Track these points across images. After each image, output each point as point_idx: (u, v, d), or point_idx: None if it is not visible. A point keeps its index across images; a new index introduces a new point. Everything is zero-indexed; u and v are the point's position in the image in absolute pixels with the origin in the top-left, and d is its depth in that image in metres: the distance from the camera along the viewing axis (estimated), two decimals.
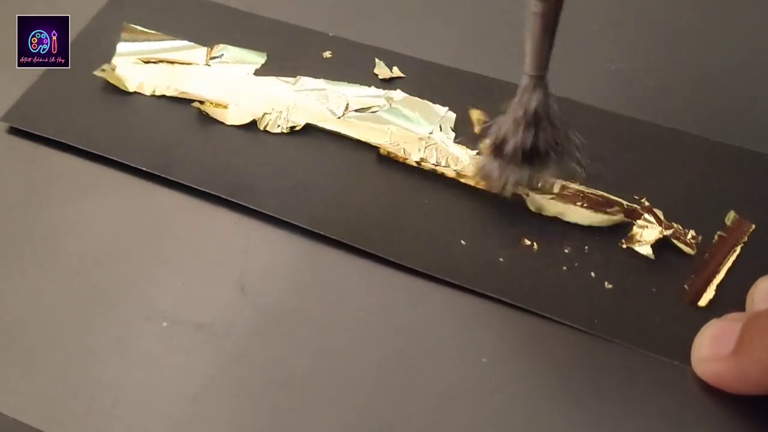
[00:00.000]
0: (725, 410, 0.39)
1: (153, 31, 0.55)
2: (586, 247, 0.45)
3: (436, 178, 0.47)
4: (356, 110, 0.50)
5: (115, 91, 0.52)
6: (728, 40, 0.55)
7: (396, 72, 0.52)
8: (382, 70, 0.52)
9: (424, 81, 0.52)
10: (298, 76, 0.52)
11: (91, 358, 0.41)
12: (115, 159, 0.48)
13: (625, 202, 0.45)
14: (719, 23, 0.56)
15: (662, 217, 0.45)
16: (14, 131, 0.50)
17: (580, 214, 0.45)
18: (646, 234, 0.44)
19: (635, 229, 0.45)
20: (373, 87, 0.51)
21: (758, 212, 0.46)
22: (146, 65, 0.53)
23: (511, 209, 0.46)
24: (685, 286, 0.43)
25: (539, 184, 0.46)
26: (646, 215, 0.45)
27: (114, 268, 0.45)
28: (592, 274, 0.44)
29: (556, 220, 0.46)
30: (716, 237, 0.45)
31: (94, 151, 0.49)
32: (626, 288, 0.43)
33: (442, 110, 0.50)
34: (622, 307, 0.43)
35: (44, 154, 0.49)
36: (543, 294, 0.43)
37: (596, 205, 0.45)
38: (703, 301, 0.43)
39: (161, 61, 0.53)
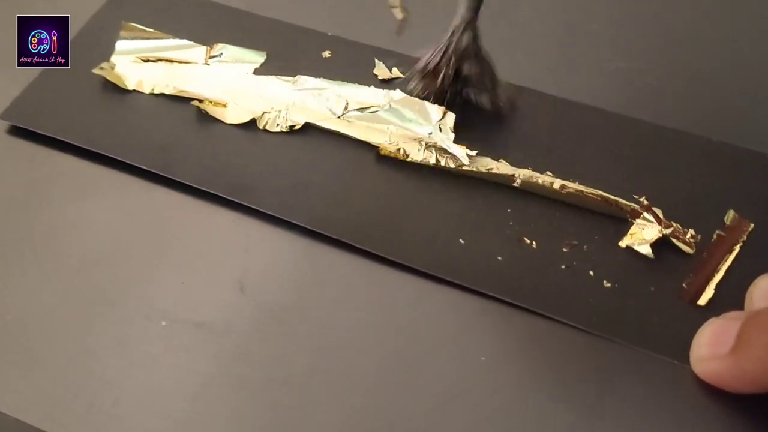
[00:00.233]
0: (724, 409, 0.39)
1: (152, 30, 0.55)
2: (585, 246, 0.45)
3: (435, 177, 0.47)
4: (355, 110, 0.50)
5: (114, 89, 0.52)
6: (727, 39, 0.55)
7: (395, 72, 0.52)
8: (381, 71, 0.52)
9: None
10: (297, 76, 0.52)
11: (91, 358, 0.41)
12: (114, 157, 0.48)
13: (624, 202, 0.45)
14: (718, 23, 0.56)
15: (661, 216, 0.45)
16: (14, 131, 0.50)
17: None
18: (646, 233, 0.44)
19: (634, 228, 0.45)
20: (372, 87, 0.51)
21: (757, 211, 0.46)
22: (145, 64, 0.53)
23: (510, 208, 0.46)
24: (684, 285, 0.43)
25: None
26: (646, 214, 0.45)
27: (114, 267, 0.45)
28: (591, 273, 0.44)
29: (554, 218, 0.46)
30: (715, 236, 0.45)
31: (93, 149, 0.49)
32: (625, 287, 0.43)
33: (441, 110, 0.50)
34: (622, 306, 0.43)
35: (44, 154, 0.49)
36: (542, 293, 0.43)
37: (595, 204, 0.45)
38: (702, 300, 0.43)
39: (160, 60, 0.53)
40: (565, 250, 0.45)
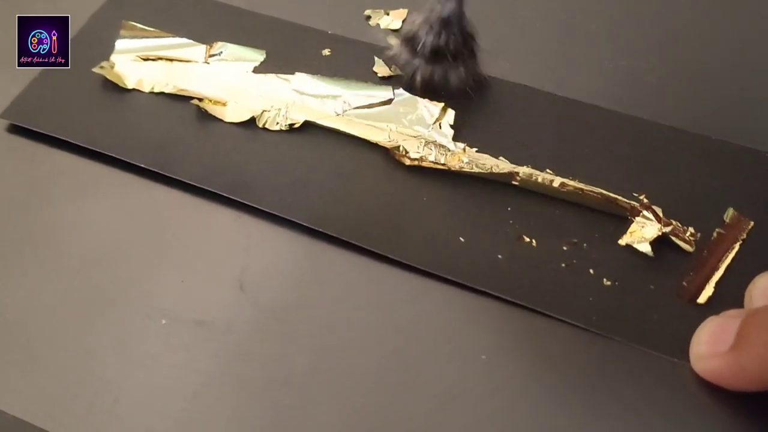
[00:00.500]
0: (723, 407, 0.39)
1: (152, 29, 0.55)
2: (585, 245, 0.45)
3: (435, 175, 0.47)
4: (355, 108, 0.50)
5: (113, 88, 0.52)
6: (726, 37, 0.55)
7: (395, 70, 0.52)
8: (381, 68, 0.52)
9: None
10: (297, 74, 0.52)
11: (91, 357, 0.41)
12: (114, 156, 0.48)
13: (624, 200, 0.45)
14: (718, 21, 0.56)
15: (661, 215, 0.45)
16: (14, 130, 0.50)
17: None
18: (645, 231, 0.44)
19: (634, 226, 0.45)
20: (372, 84, 0.51)
21: (757, 209, 0.46)
22: (145, 62, 0.53)
23: (510, 206, 0.46)
24: (684, 283, 0.43)
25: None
26: (645, 212, 0.45)
27: (114, 266, 0.45)
28: (591, 271, 0.44)
29: (554, 217, 0.46)
30: (715, 234, 0.45)
31: (93, 148, 0.49)
32: (625, 285, 0.43)
33: (440, 108, 0.50)
34: (621, 304, 0.43)
35: (44, 153, 0.49)
36: (542, 291, 0.43)
37: (595, 202, 0.45)
38: (701, 298, 0.43)
39: (160, 59, 0.53)
40: (564, 248, 0.45)
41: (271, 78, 0.52)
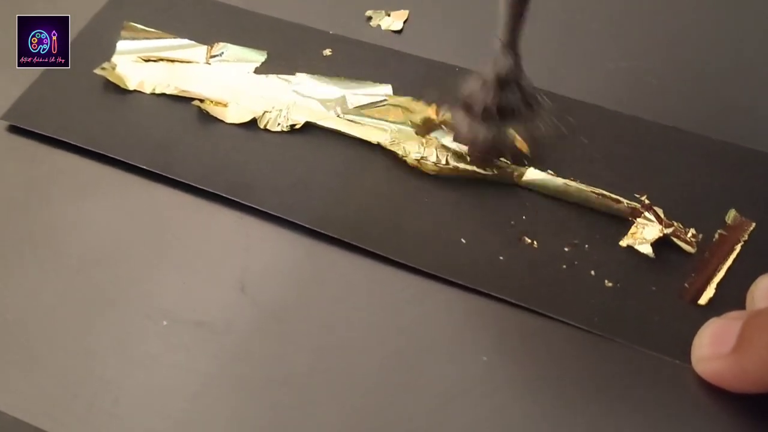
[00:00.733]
0: (725, 409, 0.39)
1: (153, 30, 0.55)
2: (586, 246, 0.45)
3: (436, 176, 0.47)
4: (356, 108, 0.50)
5: (115, 89, 0.52)
6: (729, 38, 0.55)
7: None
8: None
9: (426, 80, 0.52)
10: (298, 74, 0.52)
11: (91, 357, 0.41)
12: (116, 157, 0.48)
13: (625, 201, 0.45)
14: (720, 22, 0.56)
15: (662, 216, 0.45)
16: (14, 130, 0.50)
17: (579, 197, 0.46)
18: (647, 232, 0.44)
19: (635, 227, 0.45)
20: (373, 85, 0.51)
21: (759, 210, 0.45)
22: (146, 63, 0.53)
23: (511, 207, 0.46)
24: (686, 284, 0.43)
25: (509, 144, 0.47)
26: (647, 213, 0.45)
27: (114, 267, 0.45)
28: (592, 272, 0.44)
29: (555, 218, 0.46)
30: (717, 235, 0.45)
31: (94, 149, 0.49)
32: (626, 286, 0.43)
33: (441, 108, 0.50)
34: (622, 305, 0.43)
35: (44, 153, 0.49)
36: (543, 292, 0.43)
37: (596, 203, 0.45)
38: (703, 300, 0.43)
39: (161, 60, 0.53)
40: (566, 249, 0.45)
41: (272, 79, 0.52)
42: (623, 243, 0.44)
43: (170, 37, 0.54)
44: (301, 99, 0.51)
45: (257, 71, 0.53)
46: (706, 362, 0.40)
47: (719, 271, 0.43)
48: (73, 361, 0.41)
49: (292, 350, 0.42)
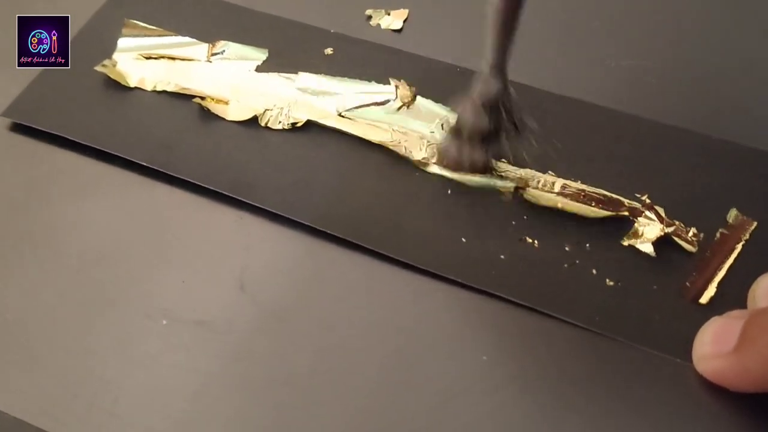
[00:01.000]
0: (727, 408, 0.39)
1: (154, 27, 0.55)
2: (588, 245, 0.45)
3: (437, 175, 0.47)
4: (358, 107, 0.50)
5: (116, 86, 0.52)
6: (730, 37, 0.55)
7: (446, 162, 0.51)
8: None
9: (426, 79, 0.52)
10: (299, 73, 0.52)
11: (91, 357, 0.41)
12: (116, 154, 0.48)
13: (626, 200, 0.45)
14: (721, 21, 0.56)
15: (663, 215, 0.45)
16: (14, 128, 0.50)
17: (579, 208, 0.45)
18: (648, 231, 0.44)
19: (636, 226, 0.45)
20: (374, 84, 0.51)
21: (760, 209, 0.45)
22: (147, 61, 0.53)
23: (512, 207, 0.46)
24: (687, 283, 0.43)
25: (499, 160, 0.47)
26: (648, 213, 0.45)
27: (114, 266, 0.45)
28: (594, 271, 0.44)
29: (556, 217, 0.45)
30: (718, 234, 0.45)
31: (95, 146, 0.49)
32: (627, 285, 0.43)
33: (444, 109, 0.49)
34: (624, 304, 0.43)
35: (45, 152, 0.49)
36: (544, 291, 0.43)
37: (597, 202, 0.45)
38: (704, 299, 0.43)
39: (162, 57, 0.53)
40: (567, 248, 0.44)
41: (273, 77, 0.52)
42: (624, 242, 0.44)
43: (171, 35, 0.54)
44: (302, 97, 0.51)
45: (258, 69, 0.52)
46: (707, 361, 0.40)
47: (720, 270, 0.43)
48: (73, 360, 0.41)
49: (292, 349, 0.42)
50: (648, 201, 0.45)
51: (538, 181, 0.46)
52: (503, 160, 0.47)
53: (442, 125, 0.48)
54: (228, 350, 0.41)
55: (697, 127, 0.49)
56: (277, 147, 0.49)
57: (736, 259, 0.44)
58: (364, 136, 0.49)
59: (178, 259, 0.45)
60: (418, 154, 0.48)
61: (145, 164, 0.48)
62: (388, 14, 0.56)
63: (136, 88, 0.52)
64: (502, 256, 0.44)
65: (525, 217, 0.46)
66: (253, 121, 0.50)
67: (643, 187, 0.46)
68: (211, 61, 0.53)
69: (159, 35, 0.54)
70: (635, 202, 0.45)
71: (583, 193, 0.46)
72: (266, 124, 0.50)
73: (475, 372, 0.41)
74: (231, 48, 0.54)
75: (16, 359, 0.41)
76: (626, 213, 0.45)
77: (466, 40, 0.53)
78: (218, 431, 0.39)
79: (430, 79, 0.51)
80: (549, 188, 0.46)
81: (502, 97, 0.44)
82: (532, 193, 0.46)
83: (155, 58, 0.53)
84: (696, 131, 0.49)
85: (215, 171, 0.48)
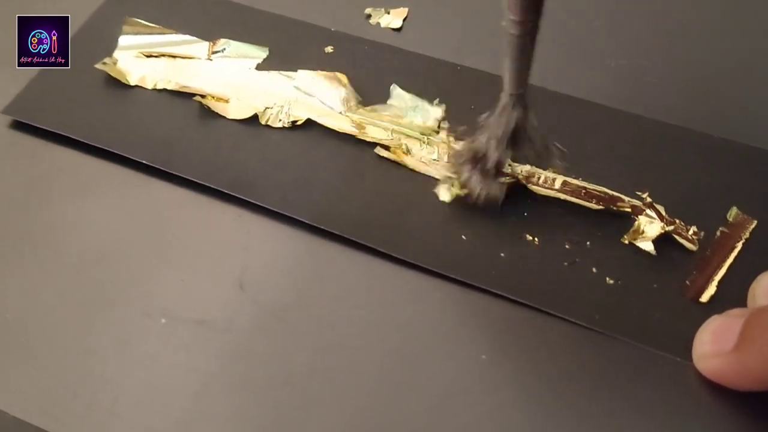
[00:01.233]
0: (727, 406, 0.39)
1: (155, 25, 0.55)
2: (588, 243, 0.45)
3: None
4: (358, 106, 0.50)
5: (116, 84, 0.52)
6: (730, 36, 0.55)
7: (462, 191, 0.50)
8: (445, 194, 0.50)
9: (426, 77, 0.52)
10: (299, 71, 0.52)
11: (91, 356, 0.41)
12: (116, 152, 0.48)
13: (627, 198, 0.45)
14: (721, 20, 0.56)
15: (664, 213, 0.45)
16: (14, 127, 0.50)
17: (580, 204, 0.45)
18: (648, 230, 0.44)
19: (637, 224, 0.45)
20: (375, 83, 0.51)
21: (760, 208, 0.45)
22: (148, 59, 0.53)
23: (512, 205, 0.46)
24: (687, 281, 0.43)
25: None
26: (648, 211, 0.45)
27: (114, 265, 0.45)
28: (594, 269, 0.44)
29: (556, 215, 0.45)
30: (718, 233, 0.45)
31: (95, 144, 0.49)
32: (628, 284, 0.43)
33: (442, 107, 0.49)
34: (624, 302, 0.43)
35: (44, 150, 0.49)
36: (544, 289, 0.43)
37: (598, 200, 0.45)
38: (704, 297, 0.43)
39: (163, 55, 0.53)
40: (567, 246, 0.44)
41: (273, 75, 0.52)
42: (625, 240, 0.44)
43: (172, 33, 0.54)
44: (302, 95, 0.51)
45: (259, 68, 0.53)
46: (707, 360, 0.40)
47: (720, 268, 0.43)
48: (73, 360, 0.41)
49: (292, 348, 0.42)
50: (648, 199, 0.45)
51: (539, 178, 0.46)
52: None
53: (439, 123, 0.48)
54: (228, 349, 0.42)
55: (698, 125, 0.49)
56: (278, 145, 0.49)
57: (736, 258, 0.44)
58: (363, 135, 0.49)
59: (177, 258, 0.45)
60: (418, 152, 0.48)
61: (145, 162, 0.48)
62: (388, 13, 0.56)
63: (136, 86, 0.52)
64: (502, 254, 0.44)
65: (525, 215, 0.46)
66: (254, 119, 0.50)
67: (644, 186, 0.46)
68: (211, 60, 0.53)
69: (160, 33, 0.54)
70: (636, 200, 0.45)
71: (583, 190, 0.46)
72: (266, 122, 0.50)
73: (474, 371, 0.41)
74: (231, 46, 0.54)
75: (16, 358, 0.41)
76: (627, 209, 0.45)
77: (466, 39, 0.54)
78: (218, 430, 0.39)
79: (430, 78, 0.51)
80: (550, 185, 0.46)
81: (523, 124, 0.43)
82: (533, 189, 0.46)
83: (156, 56, 0.53)
84: (696, 130, 0.49)
85: (215, 169, 0.48)
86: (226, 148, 0.49)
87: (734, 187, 0.46)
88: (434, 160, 0.47)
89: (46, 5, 0.56)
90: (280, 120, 0.50)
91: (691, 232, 0.44)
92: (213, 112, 0.50)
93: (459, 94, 0.50)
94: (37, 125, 0.50)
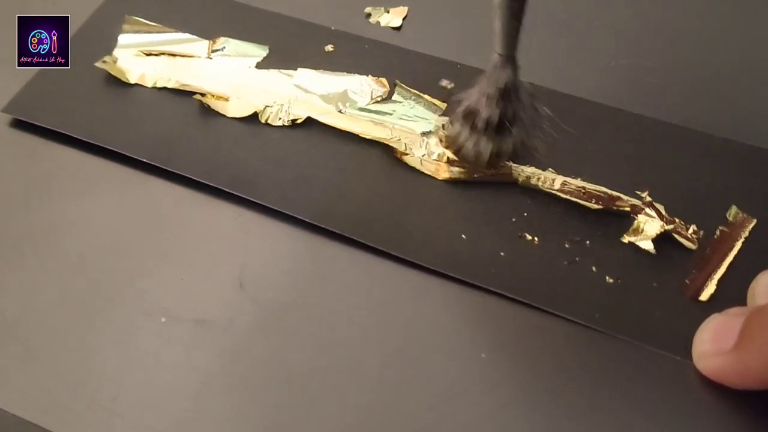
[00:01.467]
0: (727, 405, 0.39)
1: (155, 24, 0.55)
2: (588, 242, 0.45)
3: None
4: (358, 104, 0.50)
5: (116, 83, 0.52)
6: (730, 36, 0.55)
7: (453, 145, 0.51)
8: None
9: (426, 76, 0.52)
10: (299, 69, 0.52)
11: (91, 354, 0.41)
12: (116, 151, 0.48)
13: (626, 197, 0.45)
14: (721, 20, 0.56)
15: (664, 212, 0.45)
16: (14, 126, 0.50)
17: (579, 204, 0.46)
18: (648, 228, 0.44)
19: (637, 223, 0.45)
20: (375, 82, 0.51)
21: (760, 207, 0.45)
22: (148, 57, 0.53)
23: (512, 203, 0.46)
24: (687, 280, 0.43)
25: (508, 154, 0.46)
26: (648, 210, 0.45)
27: (113, 264, 0.45)
28: (594, 268, 0.44)
29: (556, 214, 0.45)
30: (718, 232, 0.45)
31: (95, 143, 0.49)
32: (627, 282, 0.43)
33: (443, 106, 0.50)
34: (624, 301, 0.43)
35: (44, 149, 0.49)
36: (544, 288, 0.43)
37: (598, 199, 0.45)
38: (704, 296, 0.43)
39: (163, 54, 0.53)
40: (567, 245, 0.44)
41: (273, 73, 0.52)
42: (625, 239, 0.44)
43: (172, 32, 0.54)
44: (302, 94, 0.51)
45: (259, 66, 0.53)
46: (707, 359, 0.39)
47: (720, 267, 0.43)
48: (72, 358, 0.41)
49: (292, 347, 0.42)
50: (648, 198, 0.45)
51: (538, 178, 0.46)
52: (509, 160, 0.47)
53: (443, 126, 0.48)
54: (228, 348, 0.41)
55: (698, 125, 0.49)
56: (277, 143, 0.49)
57: (735, 257, 0.44)
58: (364, 133, 0.49)
59: (177, 257, 0.45)
60: (418, 151, 0.48)
61: (145, 161, 0.48)
62: (388, 12, 0.56)
63: (136, 84, 0.52)
64: (502, 253, 0.44)
65: (525, 214, 0.46)
66: (254, 117, 0.50)
67: (644, 185, 0.46)
68: (211, 58, 0.53)
69: (159, 32, 0.54)
70: (636, 199, 0.45)
71: (583, 191, 0.46)
72: (266, 120, 0.50)
73: (474, 370, 0.41)
74: (231, 45, 0.54)
75: (16, 357, 0.41)
76: (626, 209, 0.45)
77: (466, 37, 0.54)
78: (218, 429, 0.39)
79: (430, 77, 0.51)
80: (549, 185, 0.46)
81: (512, 86, 0.44)
82: (529, 177, 0.46)
83: (156, 55, 0.53)
84: (696, 129, 0.49)
85: (215, 167, 0.48)
86: (225, 147, 0.49)
87: (734, 186, 0.46)
88: (434, 159, 0.47)
89: (46, 5, 0.56)
90: (279, 118, 0.50)
91: (690, 231, 0.44)
92: (213, 110, 0.50)
93: (459, 93, 0.50)
94: (37, 124, 0.50)
